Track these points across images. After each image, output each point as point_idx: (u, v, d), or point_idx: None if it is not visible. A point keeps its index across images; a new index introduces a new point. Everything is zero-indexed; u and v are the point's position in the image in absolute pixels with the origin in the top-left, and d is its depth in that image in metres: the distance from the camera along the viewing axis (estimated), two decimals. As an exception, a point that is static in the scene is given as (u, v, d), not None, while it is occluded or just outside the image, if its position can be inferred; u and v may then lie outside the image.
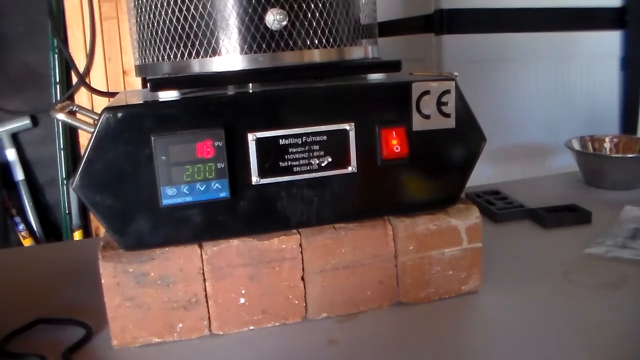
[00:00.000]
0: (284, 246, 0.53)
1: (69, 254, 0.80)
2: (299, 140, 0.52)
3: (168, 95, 0.51)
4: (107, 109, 0.48)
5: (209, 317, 0.53)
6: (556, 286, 0.61)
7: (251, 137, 0.50)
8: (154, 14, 0.55)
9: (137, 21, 0.58)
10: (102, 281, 0.50)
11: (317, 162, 0.53)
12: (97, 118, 0.48)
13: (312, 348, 0.51)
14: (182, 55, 0.54)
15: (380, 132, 0.54)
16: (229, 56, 0.53)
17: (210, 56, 0.53)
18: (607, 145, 1.04)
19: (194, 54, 0.54)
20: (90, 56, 2.02)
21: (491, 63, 1.31)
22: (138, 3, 0.57)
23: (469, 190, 0.92)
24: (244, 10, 0.52)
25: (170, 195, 0.49)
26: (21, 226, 2.07)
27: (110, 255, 0.50)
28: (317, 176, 0.53)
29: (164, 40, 0.55)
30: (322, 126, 0.52)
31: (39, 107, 2.04)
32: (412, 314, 0.56)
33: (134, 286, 0.50)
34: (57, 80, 2.04)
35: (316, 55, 0.55)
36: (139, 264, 0.50)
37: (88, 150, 0.48)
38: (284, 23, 0.52)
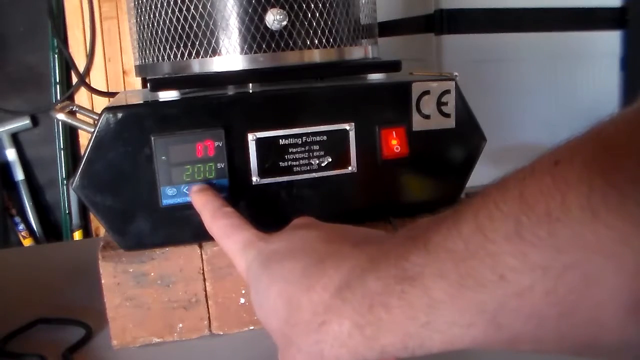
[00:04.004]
0: (284, 246, 0.53)
1: (69, 254, 0.80)
2: (299, 140, 0.52)
3: (168, 95, 0.51)
4: (107, 109, 0.48)
5: (209, 317, 0.53)
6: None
7: (251, 137, 0.50)
8: (154, 14, 0.55)
9: (137, 21, 0.58)
10: (102, 281, 0.50)
11: (317, 162, 0.53)
12: (97, 118, 0.48)
13: (312, 348, 0.51)
14: (182, 55, 0.54)
15: (380, 132, 0.54)
16: (229, 56, 0.53)
17: (210, 56, 0.53)
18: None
19: (194, 54, 0.54)
20: (90, 56, 2.02)
21: (491, 63, 1.31)
22: (138, 3, 0.57)
23: (469, 190, 0.92)
24: (244, 10, 0.52)
25: (170, 195, 0.49)
26: (21, 226, 2.07)
27: (110, 255, 0.50)
28: (317, 176, 0.53)
29: (164, 40, 0.55)
30: (322, 126, 0.52)
31: (39, 107, 2.05)
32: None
33: (134, 286, 0.50)
34: (57, 80, 2.04)
35: (316, 55, 0.55)
36: (139, 264, 0.50)
37: (88, 150, 0.48)
38: (284, 23, 0.52)
